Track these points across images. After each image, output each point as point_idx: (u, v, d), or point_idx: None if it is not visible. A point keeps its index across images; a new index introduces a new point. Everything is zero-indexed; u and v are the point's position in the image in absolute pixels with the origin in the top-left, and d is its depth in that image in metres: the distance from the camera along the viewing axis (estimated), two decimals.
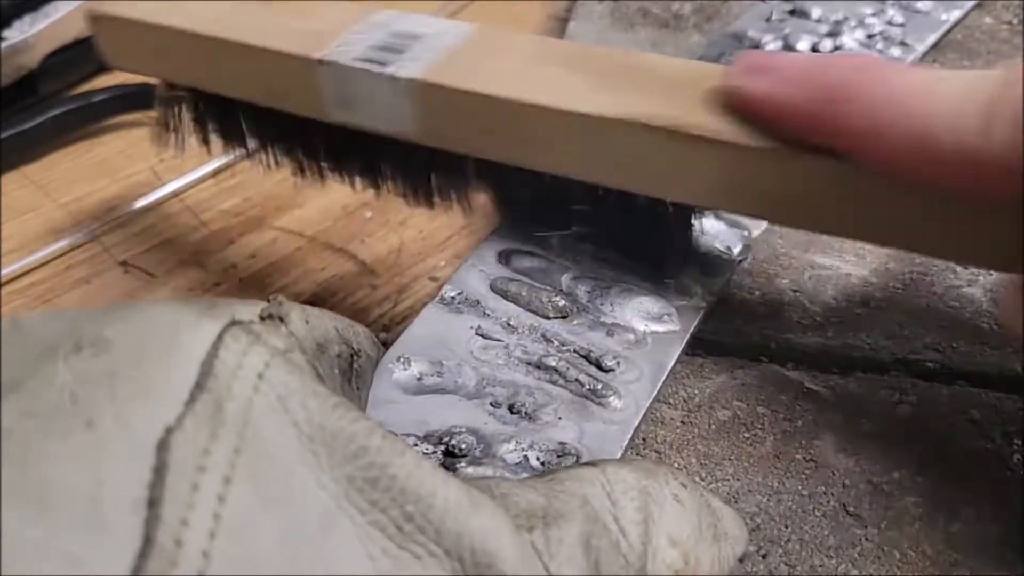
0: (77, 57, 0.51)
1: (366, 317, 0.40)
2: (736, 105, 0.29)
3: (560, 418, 0.31)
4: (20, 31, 0.48)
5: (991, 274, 0.37)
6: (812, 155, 0.28)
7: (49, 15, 0.49)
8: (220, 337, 0.21)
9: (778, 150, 0.28)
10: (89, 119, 0.49)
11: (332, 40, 0.34)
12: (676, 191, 0.32)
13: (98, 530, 0.17)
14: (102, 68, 0.54)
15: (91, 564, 0.17)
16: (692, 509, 0.24)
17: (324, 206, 0.46)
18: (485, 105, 0.32)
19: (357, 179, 0.39)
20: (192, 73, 0.37)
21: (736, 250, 0.38)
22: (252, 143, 0.40)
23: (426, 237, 0.44)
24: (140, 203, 0.45)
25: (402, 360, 0.32)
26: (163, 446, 0.18)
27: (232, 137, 0.40)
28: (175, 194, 0.46)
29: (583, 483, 0.23)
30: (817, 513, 0.30)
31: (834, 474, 0.31)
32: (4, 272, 0.41)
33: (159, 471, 0.18)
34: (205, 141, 0.40)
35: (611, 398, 0.32)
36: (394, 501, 0.20)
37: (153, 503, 0.18)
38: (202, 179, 0.47)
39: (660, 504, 0.24)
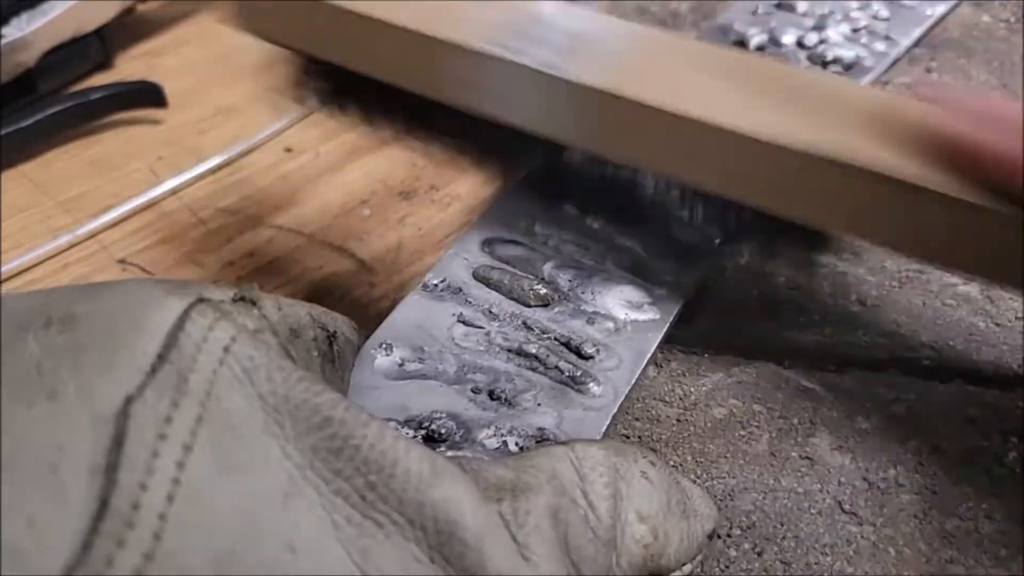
0: (75, 55, 0.51)
1: (364, 315, 0.40)
2: (947, 150, 0.28)
3: (540, 404, 0.31)
4: (18, 28, 0.48)
5: None
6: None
7: (47, 12, 0.48)
8: (186, 312, 0.21)
9: (1001, 208, 0.27)
10: (87, 117, 0.49)
11: (464, 21, 0.34)
12: (853, 226, 0.31)
13: (56, 494, 0.18)
14: (100, 66, 0.54)
15: (48, 525, 0.17)
16: (661, 486, 0.25)
17: (322, 204, 0.46)
18: (641, 114, 0.31)
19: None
20: (322, 45, 0.37)
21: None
22: (383, 119, 0.40)
23: (424, 235, 0.44)
24: (138, 201, 0.45)
25: (384, 346, 0.33)
26: (123, 415, 0.19)
27: (364, 111, 0.40)
28: (173, 192, 0.46)
29: (552, 459, 0.24)
30: (813, 511, 0.30)
31: (830, 472, 0.31)
32: (3, 269, 0.41)
33: (118, 439, 0.19)
34: (340, 111, 0.41)
35: (590, 385, 0.32)
36: (357, 471, 0.20)
37: (110, 469, 0.18)
38: (200, 177, 0.47)
39: (629, 481, 0.24)
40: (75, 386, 0.19)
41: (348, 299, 0.41)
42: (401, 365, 0.32)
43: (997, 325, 0.35)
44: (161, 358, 0.20)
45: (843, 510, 0.30)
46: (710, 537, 0.26)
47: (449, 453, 0.29)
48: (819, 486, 0.30)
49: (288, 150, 0.49)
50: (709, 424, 0.32)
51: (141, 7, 0.56)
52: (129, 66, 0.55)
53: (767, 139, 0.30)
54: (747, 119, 0.31)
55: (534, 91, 0.34)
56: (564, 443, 0.25)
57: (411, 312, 0.34)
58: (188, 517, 0.18)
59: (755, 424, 0.32)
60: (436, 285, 0.35)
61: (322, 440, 0.20)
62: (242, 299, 0.23)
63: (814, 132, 0.30)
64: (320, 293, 0.41)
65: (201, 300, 0.22)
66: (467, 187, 0.46)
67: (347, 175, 0.48)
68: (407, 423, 0.30)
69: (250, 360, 0.21)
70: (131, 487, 0.18)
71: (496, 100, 0.35)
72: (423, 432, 0.30)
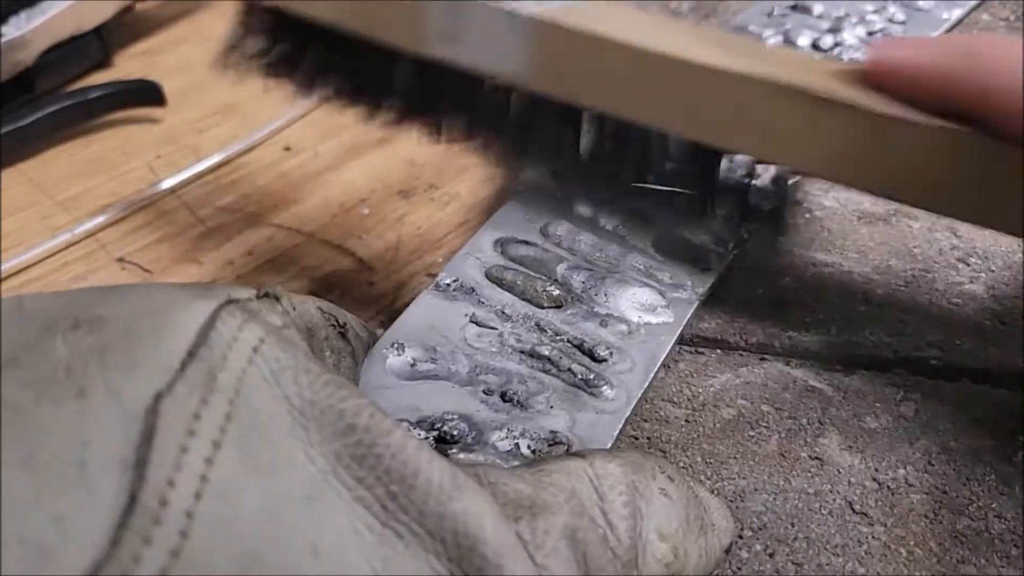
0: (73, 53, 0.51)
1: (363, 314, 0.40)
2: (875, 76, 0.30)
3: (552, 407, 0.31)
4: (16, 27, 0.47)
5: (992, 271, 0.37)
6: (947, 123, 0.29)
7: (45, 11, 0.48)
8: (216, 313, 0.21)
9: (914, 117, 0.29)
10: (85, 115, 0.49)
11: None
12: (799, 159, 0.32)
13: (84, 489, 0.18)
14: (98, 65, 0.54)
15: (75, 520, 0.17)
16: (680, 502, 0.25)
17: (322, 203, 0.45)
18: (612, 52, 0.32)
19: (438, 124, 0.38)
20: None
21: (730, 244, 0.38)
22: (327, 78, 0.38)
23: (424, 234, 0.44)
24: (136, 199, 0.45)
25: (396, 346, 0.32)
26: (152, 411, 0.19)
27: (306, 69, 0.38)
28: (172, 191, 0.46)
29: (571, 477, 0.24)
30: (823, 511, 0.30)
31: (839, 472, 0.31)
32: (2, 268, 0.41)
33: (147, 434, 0.19)
34: (276, 73, 0.39)
35: (603, 388, 0.32)
36: (379, 480, 0.20)
37: (139, 464, 0.18)
38: (199, 175, 0.47)
39: (648, 498, 0.24)
40: (104, 384, 0.19)
41: (347, 297, 0.41)
42: (413, 365, 0.32)
43: (1003, 324, 0.35)
44: (191, 355, 0.20)
45: (854, 510, 0.30)
46: (727, 551, 0.26)
47: (461, 456, 0.29)
48: (829, 486, 0.30)
49: (287, 148, 0.49)
50: (718, 425, 0.32)
51: (140, 6, 0.55)
52: (128, 65, 0.55)
53: (719, 68, 0.31)
54: (701, 54, 0.31)
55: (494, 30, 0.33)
56: (582, 457, 0.24)
57: (423, 312, 0.34)
58: (215, 515, 0.18)
59: (764, 425, 0.32)
60: (449, 285, 0.35)
61: (346, 447, 0.20)
62: (266, 295, 0.24)
63: (754, 65, 0.31)
64: (319, 292, 0.41)
65: (231, 301, 0.22)
66: (466, 186, 0.46)
67: (346, 174, 0.47)
68: (419, 424, 0.30)
69: (277, 362, 0.21)
70: (160, 483, 0.18)
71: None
72: (435, 433, 0.29)
